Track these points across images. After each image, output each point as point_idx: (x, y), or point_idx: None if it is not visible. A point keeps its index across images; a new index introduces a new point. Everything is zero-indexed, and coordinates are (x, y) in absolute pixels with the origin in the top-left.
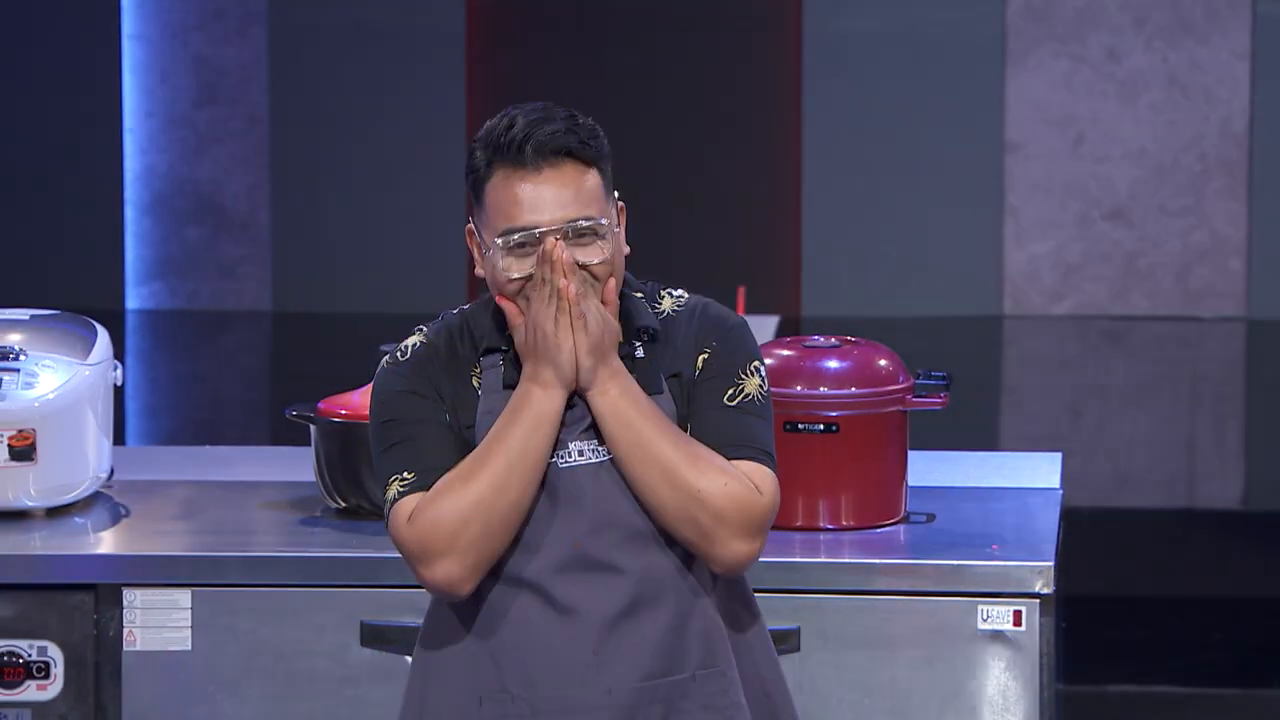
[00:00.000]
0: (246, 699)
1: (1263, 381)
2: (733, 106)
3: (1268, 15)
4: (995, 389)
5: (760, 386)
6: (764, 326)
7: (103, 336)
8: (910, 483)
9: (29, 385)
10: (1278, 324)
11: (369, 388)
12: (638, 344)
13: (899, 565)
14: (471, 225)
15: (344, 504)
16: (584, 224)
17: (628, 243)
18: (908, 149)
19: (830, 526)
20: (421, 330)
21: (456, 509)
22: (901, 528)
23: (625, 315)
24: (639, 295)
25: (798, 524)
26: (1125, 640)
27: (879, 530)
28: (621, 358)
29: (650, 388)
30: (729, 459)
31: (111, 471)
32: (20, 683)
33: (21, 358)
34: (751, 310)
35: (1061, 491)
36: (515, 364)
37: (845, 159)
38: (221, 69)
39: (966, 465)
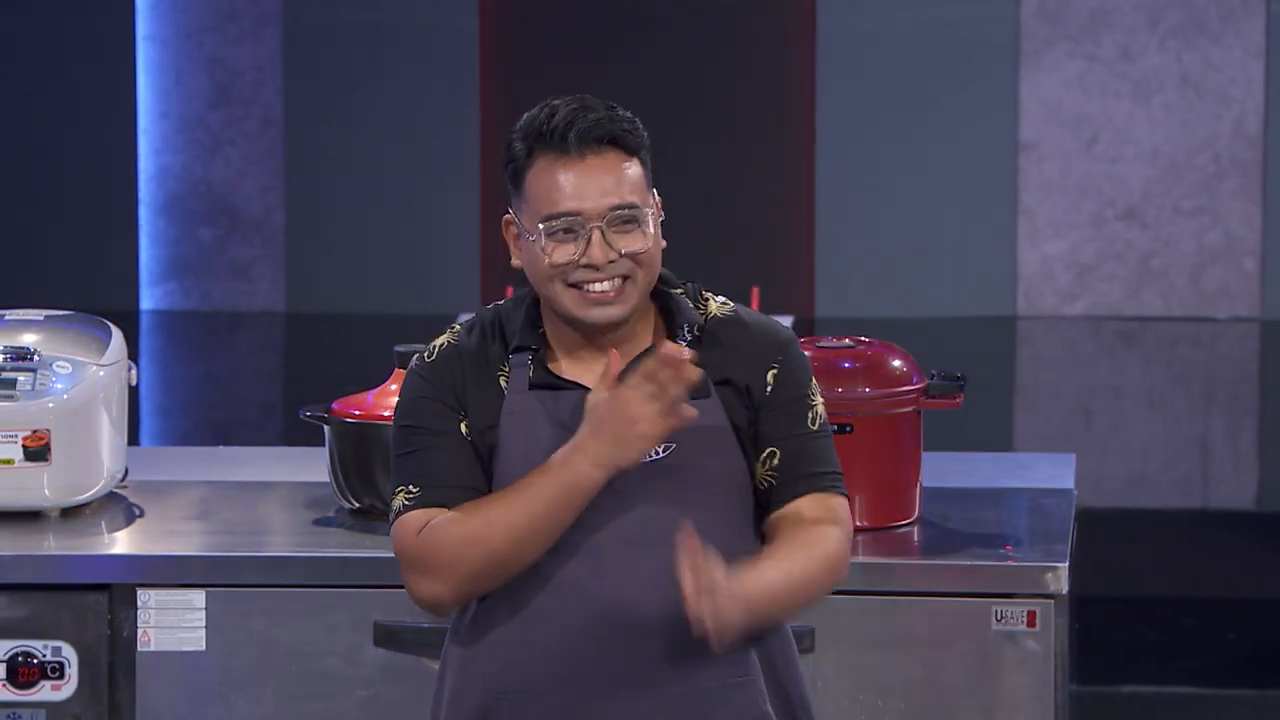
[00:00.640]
0: (260, 699)
1: (1277, 382)
2: (746, 106)
3: None
4: (1009, 389)
5: (822, 405)
6: None
7: (117, 337)
8: (924, 483)
9: (44, 386)
10: None
11: (383, 388)
12: (683, 342)
13: (913, 566)
14: (510, 215)
15: (358, 504)
16: (627, 211)
17: None
18: (921, 149)
19: None
20: (454, 328)
21: (463, 545)
22: (916, 528)
23: (666, 311)
24: (679, 292)
25: None
26: (1139, 641)
27: (893, 531)
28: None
29: (696, 391)
30: (819, 488)
31: (126, 472)
32: (35, 683)
33: (36, 358)
34: (765, 311)
35: (1075, 492)
36: (543, 364)
37: (859, 159)
38: (236, 70)
39: (980, 466)
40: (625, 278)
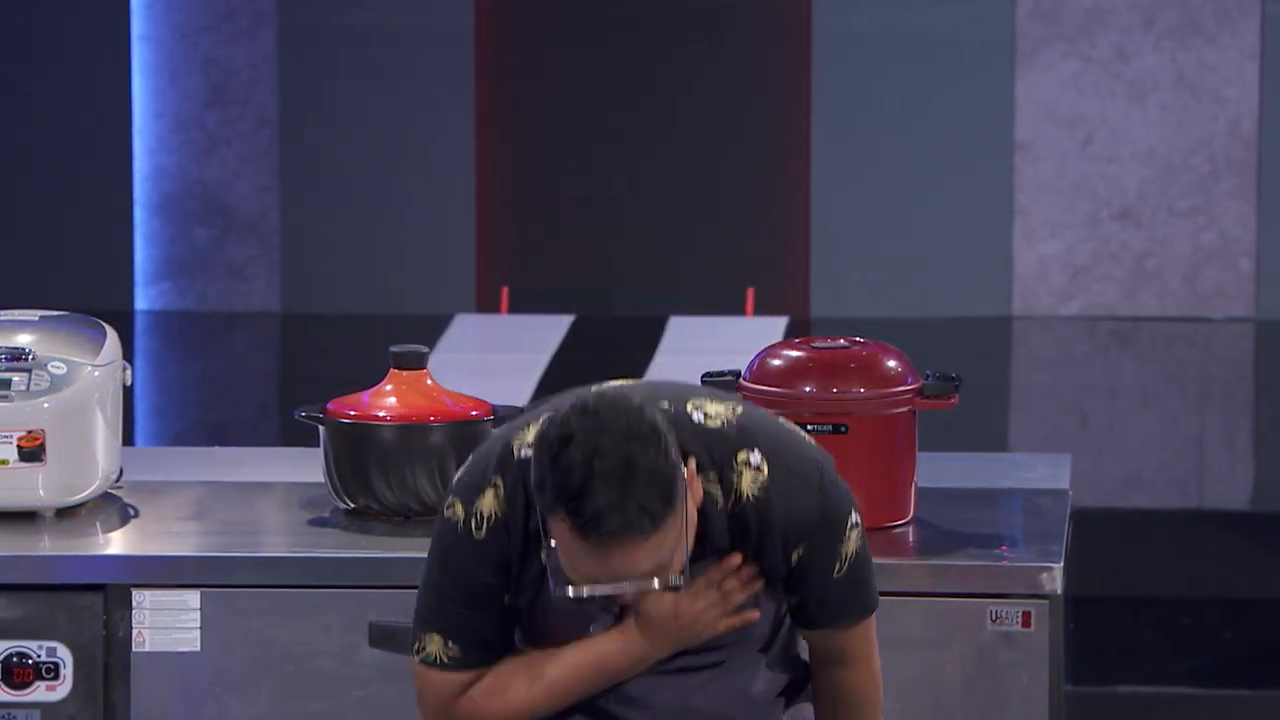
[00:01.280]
0: (255, 700)
1: (1272, 382)
2: (742, 106)
3: (1277, 16)
4: (1004, 390)
5: (859, 534)
6: (773, 328)
7: (112, 337)
8: (919, 484)
9: (38, 386)
10: None
11: (378, 389)
12: (708, 561)
13: (908, 566)
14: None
15: (353, 505)
16: (646, 582)
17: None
18: (917, 149)
19: None
20: (498, 489)
21: (505, 716)
22: (910, 529)
23: (701, 529)
24: (711, 478)
25: None
26: (1135, 641)
27: (888, 531)
28: (699, 560)
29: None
30: (849, 621)
31: (120, 472)
32: (29, 683)
33: (31, 358)
34: (760, 311)
35: (1070, 492)
36: None
37: (854, 159)
38: (231, 70)
39: (975, 466)
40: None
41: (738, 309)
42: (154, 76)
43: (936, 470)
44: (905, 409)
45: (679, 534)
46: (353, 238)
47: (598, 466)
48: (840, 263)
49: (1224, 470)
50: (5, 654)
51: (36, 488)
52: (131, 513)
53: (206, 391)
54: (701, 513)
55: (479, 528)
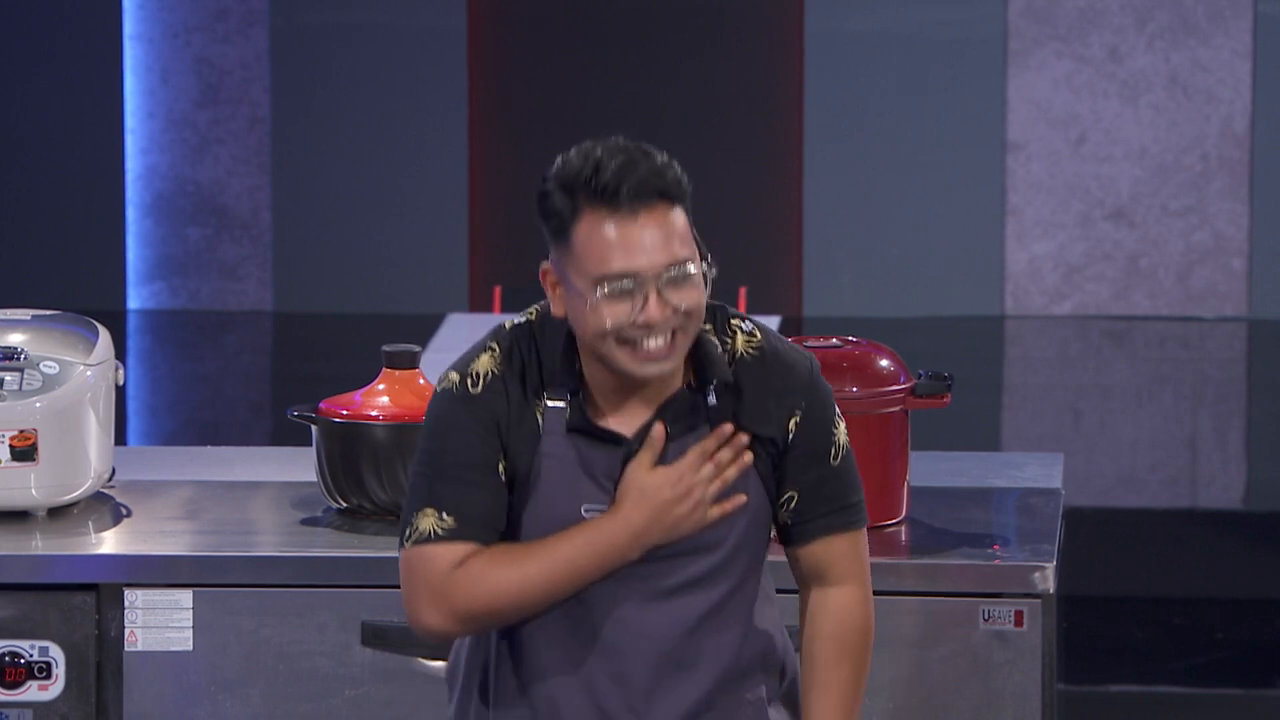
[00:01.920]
0: (248, 699)
1: (1264, 382)
2: (734, 106)
3: (1269, 15)
4: (997, 389)
5: (846, 432)
6: None
7: (104, 337)
8: (911, 483)
9: (30, 385)
10: (1279, 324)
11: (371, 388)
12: (710, 391)
13: (901, 565)
14: (549, 266)
15: (345, 504)
16: (681, 267)
17: None
18: (910, 149)
19: None
20: (494, 350)
21: (497, 595)
22: (903, 528)
23: (698, 360)
24: (708, 328)
25: None
26: (1126, 640)
27: (881, 530)
28: (691, 410)
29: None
30: (837, 527)
31: (113, 472)
32: (22, 683)
33: (23, 358)
34: (753, 310)
35: (1063, 491)
36: (581, 409)
37: (847, 159)
38: (223, 69)
39: (968, 465)
40: (675, 330)
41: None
42: (146, 76)
43: (929, 469)
44: (898, 408)
45: (689, 236)
46: (345, 237)
47: (607, 151)
48: (833, 262)
49: (1216, 470)
50: None
51: (29, 487)
52: (124, 512)
53: (199, 391)
54: (700, 347)
55: (475, 385)
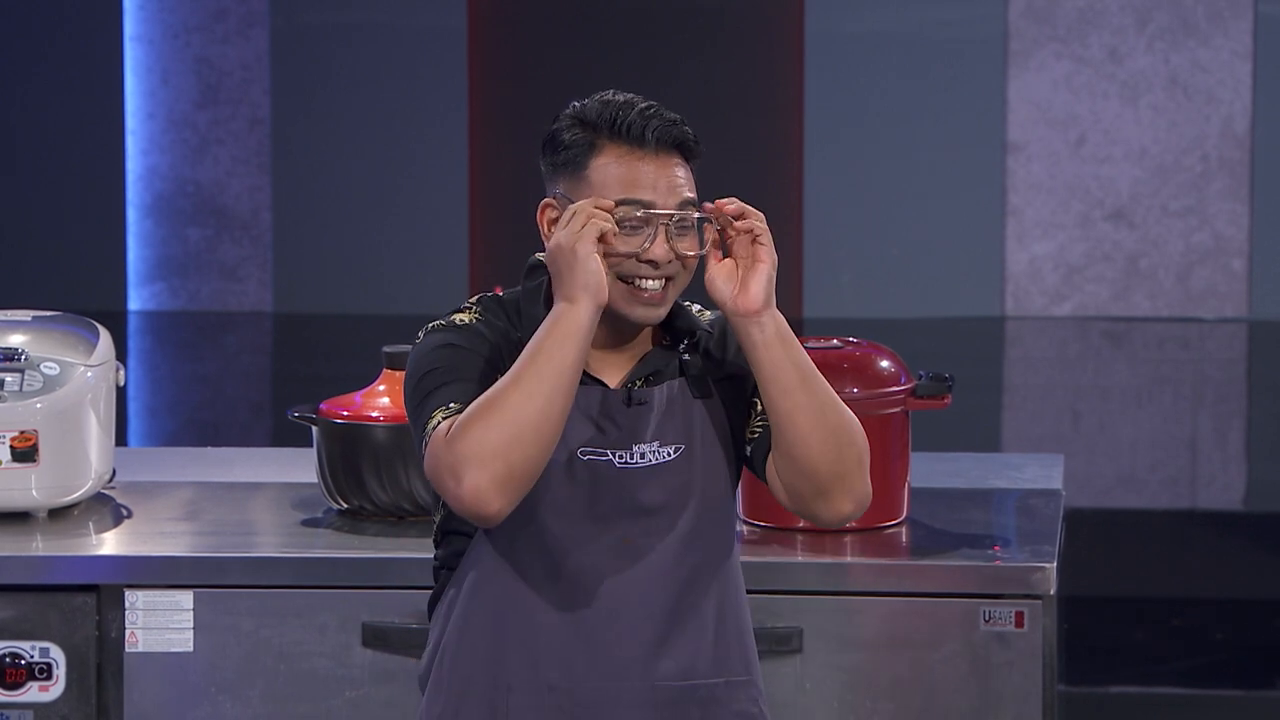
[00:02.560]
0: (248, 700)
1: (1264, 382)
2: (734, 106)
3: (1269, 16)
4: (997, 390)
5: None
6: None
7: (105, 338)
8: (912, 484)
9: (31, 386)
10: (1279, 324)
11: (371, 389)
12: (682, 348)
13: (901, 566)
14: (551, 201)
15: (346, 505)
16: (692, 210)
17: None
18: (910, 150)
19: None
20: (468, 308)
21: (484, 420)
22: (904, 529)
23: (673, 318)
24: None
25: (800, 525)
26: (1127, 641)
27: (881, 531)
28: (666, 364)
29: (700, 391)
30: None
31: (114, 472)
32: (23, 684)
33: (24, 359)
34: None
35: (1063, 492)
36: None
37: (847, 160)
38: (223, 70)
39: (968, 466)
40: (669, 279)
41: None
42: (146, 77)
43: (930, 470)
44: (898, 409)
45: (694, 194)
46: (346, 238)
47: (628, 99)
48: (833, 263)
49: (1216, 470)
50: None
51: (29, 488)
52: (124, 513)
53: (199, 392)
54: (679, 308)
55: (458, 325)
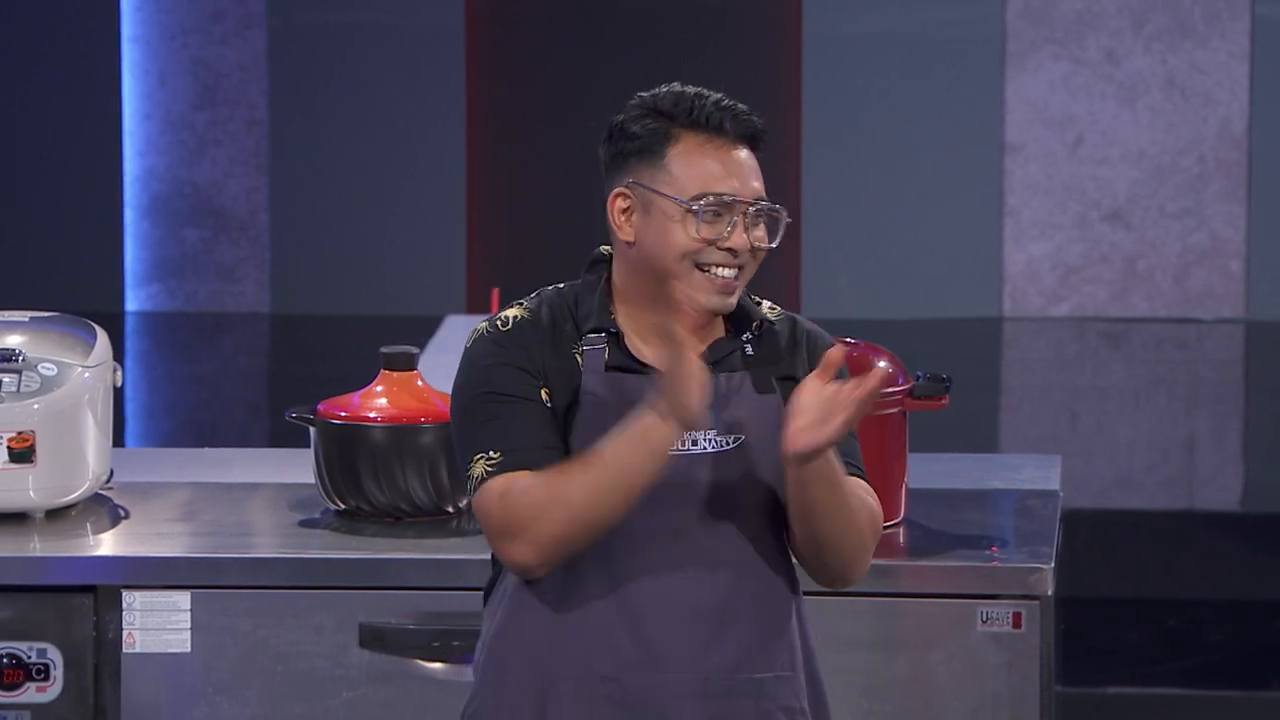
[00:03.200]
0: (245, 701)
1: (1262, 383)
2: None
3: (1266, 17)
4: (994, 391)
5: None
6: None
7: (102, 338)
8: (910, 484)
9: (28, 387)
10: (1277, 326)
11: (369, 389)
12: (746, 339)
13: (899, 567)
14: (625, 190)
15: (343, 506)
16: (772, 208)
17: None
18: (907, 150)
19: None
20: (521, 304)
21: (545, 504)
22: (901, 529)
23: (739, 308)
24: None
25: None
26: (1124, 642)
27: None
28: (730, 353)
29: (762, 386)
30: (849, 475)
31: (111, 473)
32: (20, 685)
33: (21, 359)
34: None
35: (1060, 493)
36: (619, 345)
37: (845, 160)
38: (220, 71)
39: (966, 467)
40: (741, 269)
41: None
42: (143, 78)
43: (927, 471)
44: (896, 410)
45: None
46: (343, 238)
47: (700, 91)
48: (830, 263)
49: (1214, 471)
50: None
51: (27, 489)
52: (122, 514)
53: (197, 393)
54: (741, 298)
55: (504, 326)
